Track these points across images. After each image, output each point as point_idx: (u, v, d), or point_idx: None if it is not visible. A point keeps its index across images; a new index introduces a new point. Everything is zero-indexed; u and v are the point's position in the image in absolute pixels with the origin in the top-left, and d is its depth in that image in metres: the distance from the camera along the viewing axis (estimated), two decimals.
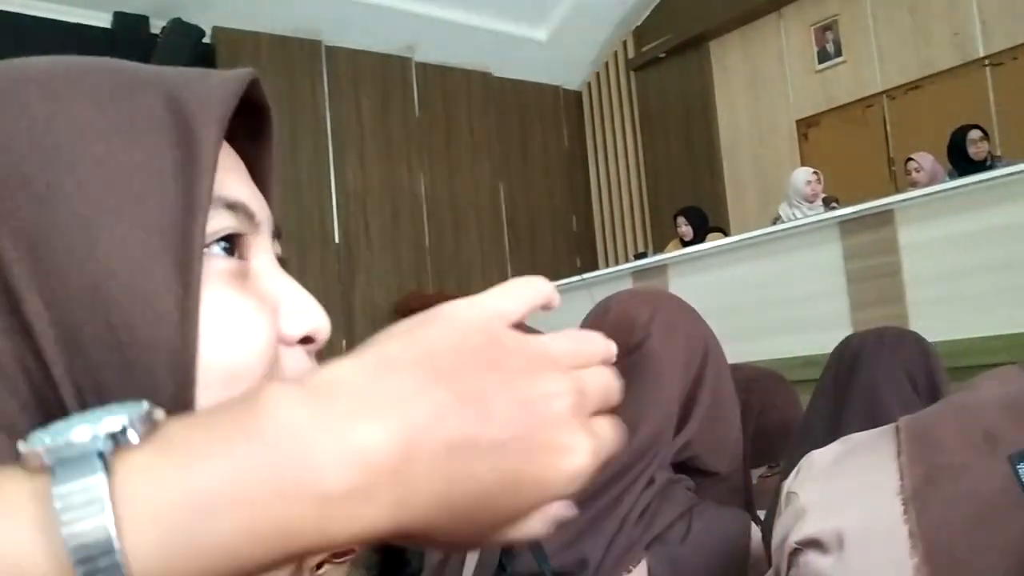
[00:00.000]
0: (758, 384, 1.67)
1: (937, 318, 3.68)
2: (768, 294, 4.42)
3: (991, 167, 4.25)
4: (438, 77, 7.94)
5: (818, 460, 0.73)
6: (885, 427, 0.71)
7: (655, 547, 0.97)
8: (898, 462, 0.64)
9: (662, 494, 1.00)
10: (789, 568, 0.67)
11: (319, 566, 0.86)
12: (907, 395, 1.30)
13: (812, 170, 5.29)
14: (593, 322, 1.15)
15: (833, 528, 0.63)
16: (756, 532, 1.01)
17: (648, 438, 1.01)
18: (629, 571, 0.96)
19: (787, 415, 1.64)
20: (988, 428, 0.62)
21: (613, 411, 1.03)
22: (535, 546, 0.92)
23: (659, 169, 8.14)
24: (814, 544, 0.64)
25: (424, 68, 7.87)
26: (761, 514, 1.30)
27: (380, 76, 7.61)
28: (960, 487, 0.59)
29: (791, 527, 0.68)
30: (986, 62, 6.01)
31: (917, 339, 1.41)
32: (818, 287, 4.21)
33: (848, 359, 1.36)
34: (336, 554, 0.86)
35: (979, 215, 3.72)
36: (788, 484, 0.73)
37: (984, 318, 3.52)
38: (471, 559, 1.07)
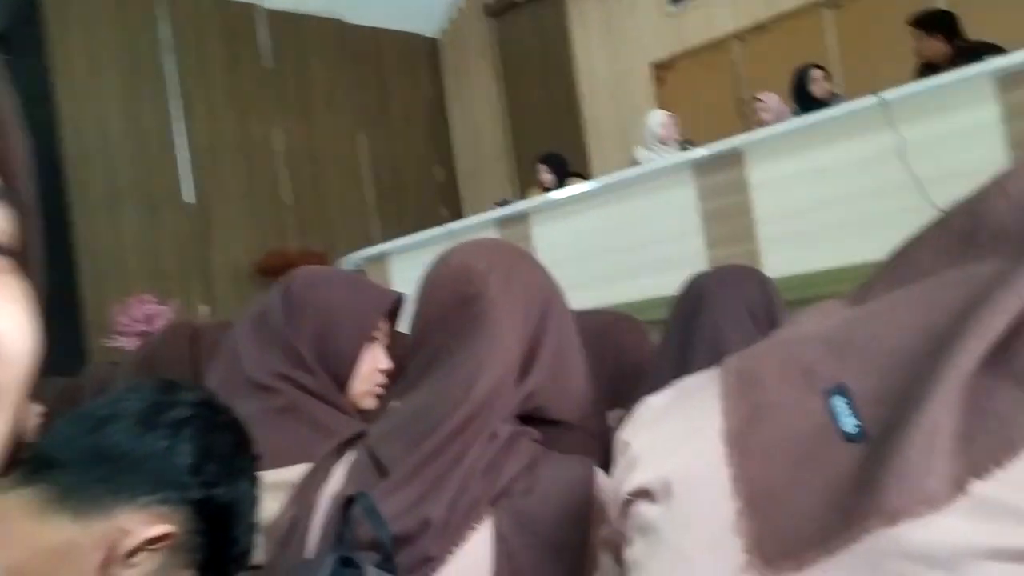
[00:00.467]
0: (613, 328, 1.68)
1: (787, 253, 3.84)
2: (629, 237, 4.49)
3: (831, 105, 4.41)
4: (289, 25, 7.62)
5: (651, 406, 0.71)
6: (714, 368, 0.70)
7: (500, 502, 0.94)
8: (723, 403, 0.63)
9: (506, 448, 0.97)
10: (625, 520, 0.65)
11: (132, 554, 0.79)
12: (749, 332, 1.32)
13: (666, 113, 5.38)
14: (432, 274, 1.11)
15: (661, 476, 0.62)
16: (604, 479, 1.00)
17: (488, 390, 0.97)
18: (474, 529, 0.93)
19: (642, 357, 1.65)
20: (807, 364, 0.61)
21: (454, 364, 0.99)
22: (372, 513, 0.88)
23: (522, 116, 8.12)
24: (644, 494, 0.62)
25: (273, 16, 7.53)
26: None
27: (226, 24, 7.24)
28: (779, 426, 0.58)
29: (624, 477, 0.66)
30: (827, 3, 6.23)
31: (757, 275, 1.43)
32: (676, 228, 4.30)
33: (692, 300, 1.37)
34: (151, 540, 0.80)
35: (822, 152, 3.87)
36: (622, 433, 0.71)
37: (830, 250, 3.68)
38: (315, 531, 1.03)
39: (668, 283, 4.27)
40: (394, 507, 0.93)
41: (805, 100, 4.70)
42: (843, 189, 3.74)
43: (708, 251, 4.15)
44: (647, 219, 4.42)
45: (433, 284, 1.10)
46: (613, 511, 0.67)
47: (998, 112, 3.35)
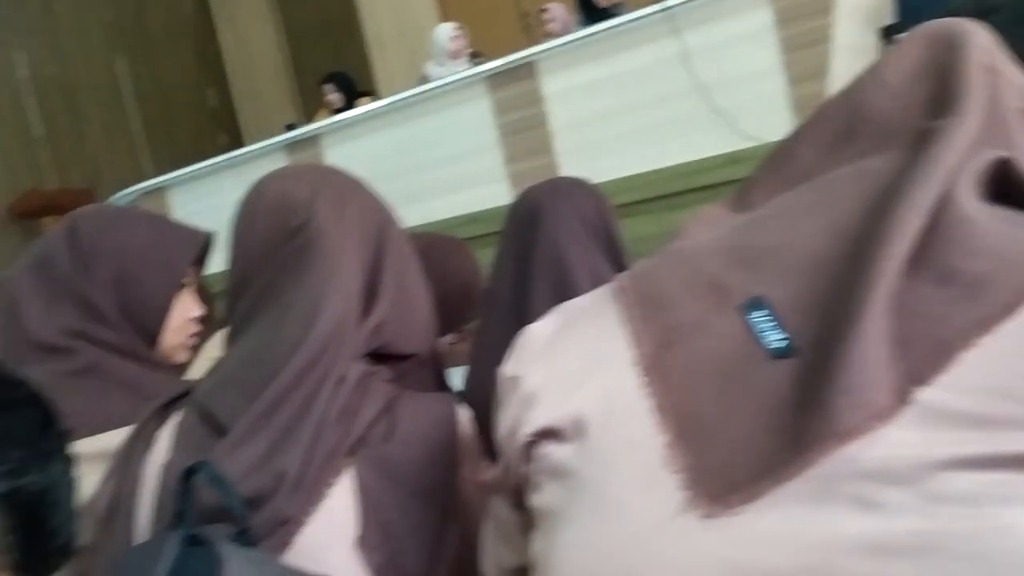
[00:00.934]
0: (436, 251, 1.61)
1: (584, 164, 3.88)
2: (426, 156, 4.39)
3: (615, 15, 4.46)
4: None
5: (536, 336, 0.65)
6: (602, 289, 0.65)
7: (359, 451, 0.86)
8: (628, 327, 0.58)
9: (359, 391, 0.89)
10: (527, 463, 0.59)
11: None
12: (585, 243, 1.29)
13: (455, 25, 5.25)
14: (247, 208, 0.98)
15: (569, 413, 0.56)
16: (463, 412, 0.94)
17: (330, 328, 0.87)
18: (332, 484, 0.84)
19: (468, 278, 1.60)
20: (713, 278, 0.57)
21: (286, 303, 0.87)
22: (217, 480, 0.77)
23: (300, 33, 7.68)
24: (550, 434, 0.56)
25: None
26: (455, 379, 1.25)
27: None
28: (698, 348, 0.54)
29: (520, 417, 0.60)
30: None
31: (587, 185, 1.40)
32: (473, 144, 4.24)
33: (527, 215, 1.32)
34: None
35: (611, 61, 3.91)
36: (508, 368, 0.64)
37: (624, 159, 3.76)
38: (146, 507, 0.90)
39: (469, 201, 4.26)
40: (241, 465, 0.82)
41: (590, 10, 4.72)
42: (633, 98, 3.81)
43: (507, 166, 4.14)
44: (445, 136, 4.33)
45: (250, 219, 0.98)
46: (510, 453, 0.61)
47: (771, 17, 3.51)
